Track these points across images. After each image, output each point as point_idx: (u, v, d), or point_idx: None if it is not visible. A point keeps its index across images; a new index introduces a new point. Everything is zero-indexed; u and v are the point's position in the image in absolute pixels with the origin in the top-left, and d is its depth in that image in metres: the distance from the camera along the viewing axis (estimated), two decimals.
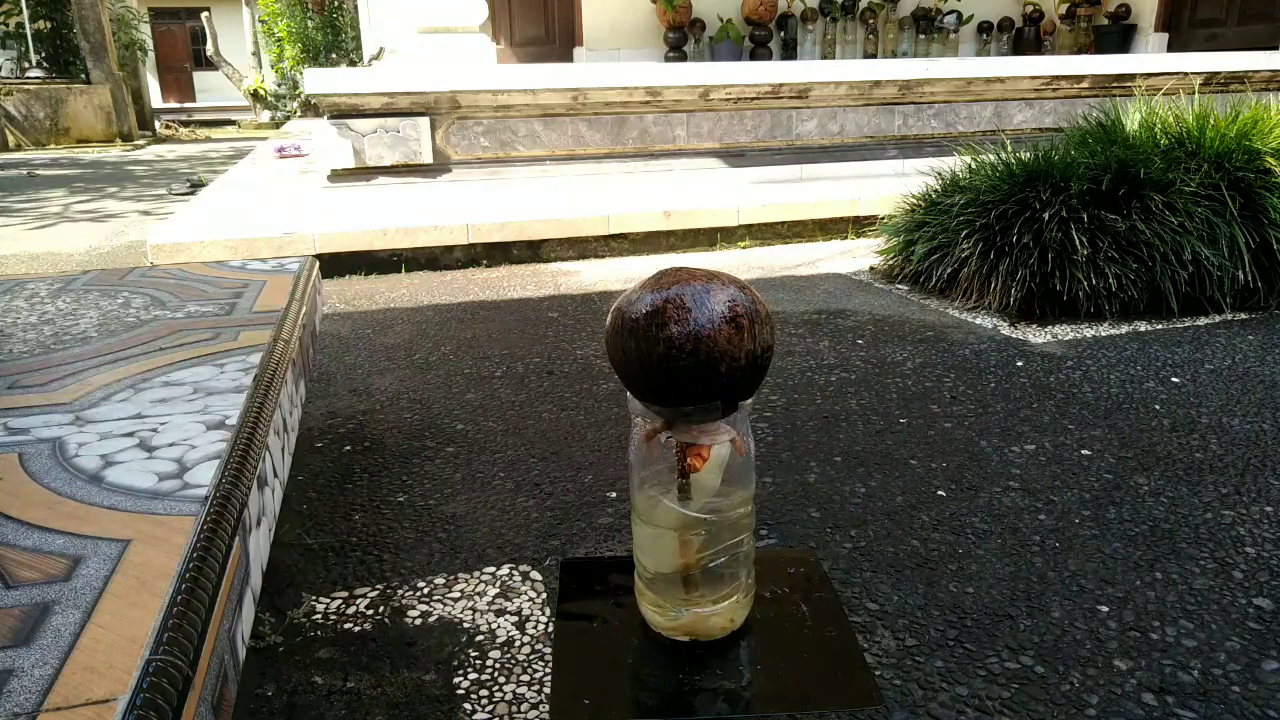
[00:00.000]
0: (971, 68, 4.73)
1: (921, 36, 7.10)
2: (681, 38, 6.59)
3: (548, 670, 1.03)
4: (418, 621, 1.13)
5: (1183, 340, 2.25)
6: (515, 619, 1.13)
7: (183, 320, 1.35)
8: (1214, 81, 5.01)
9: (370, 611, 1.15)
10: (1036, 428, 1.71)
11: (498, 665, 1.04)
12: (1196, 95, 2.94)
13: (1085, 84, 4.92)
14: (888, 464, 1.56)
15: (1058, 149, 2.76)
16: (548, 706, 0.97)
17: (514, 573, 1.24)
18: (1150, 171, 2.51)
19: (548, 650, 1.07)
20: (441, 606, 1.16)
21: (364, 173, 4.01)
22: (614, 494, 1.46)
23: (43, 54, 11.02)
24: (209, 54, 16.28)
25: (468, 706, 0.97)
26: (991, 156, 2.86)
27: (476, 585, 1.21)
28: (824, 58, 6.84)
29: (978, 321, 2.45)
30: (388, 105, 3.93)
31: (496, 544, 1.31)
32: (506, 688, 1.00)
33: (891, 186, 3.73)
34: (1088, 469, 1.53)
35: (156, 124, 13.15)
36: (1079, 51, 7.13)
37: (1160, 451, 1.60)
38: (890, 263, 3.00)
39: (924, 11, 7.09)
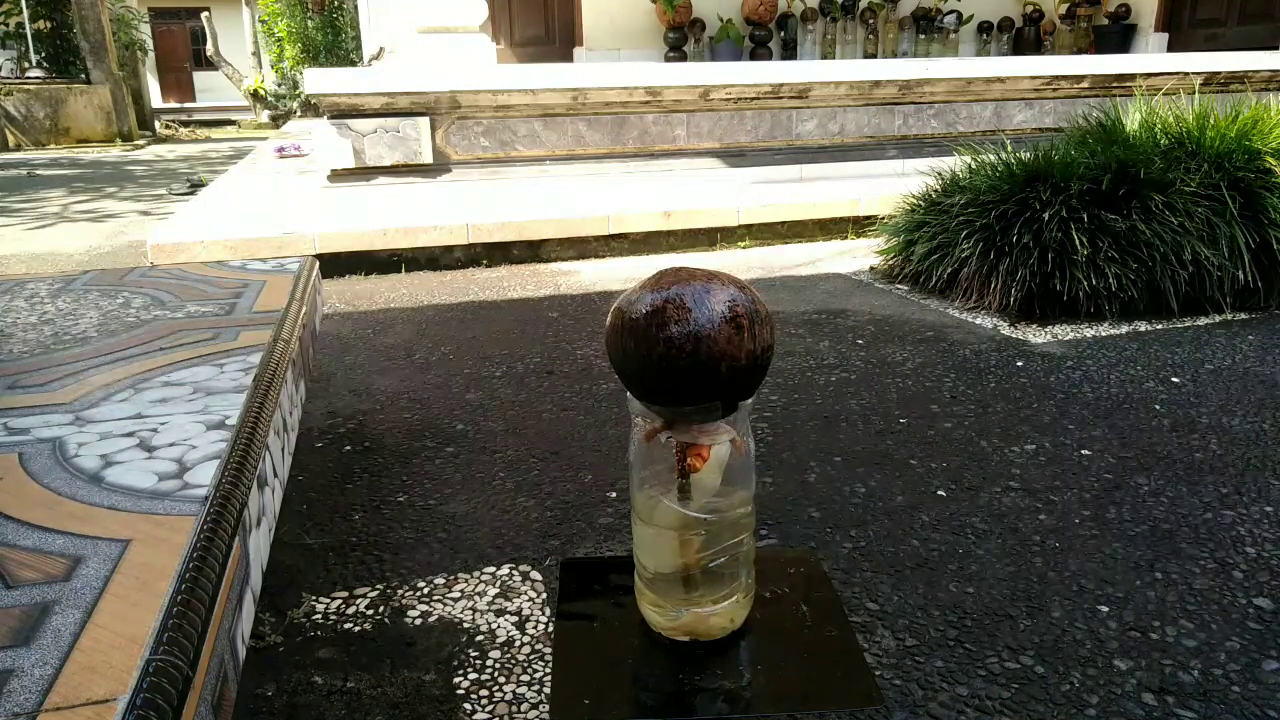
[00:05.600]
0: (971, 68, 4.73)
1: (921, 36, 7.10)
2: (681, 38, 6.59)
3: (548, 670, 1.03)
4: (418, 621, 1.13)
5: (1183, 340, 2.25)
6: (515, 619, 1.13)
7: (183, 320, 1.35)
8: (1214, 81, 5.01)
9: (370, 611, 1.15)
10: (1036, 428, 1.71)
11: (498, 665, 1.04)
12: (1196, 95, 2.94)
13: (1085, 84, 4.92)
14: (888, 464, 1.56)
15: (1058, 149, 2.76)
16: (548, 706, 0.97)
17: (514, 573, 1.24)
18: (1150, 171, 2.51)
19: (548, 650, 1.07)
20: (441, 606, 1.16)
21: (364, 173, 4.01)
22: (614, 494, 1.46)
23: (43, 54, 11.01)
24: (209, 54, 16.26)
25: (468, 706, 0.97)
26: (991, 156, 2.86)
27: (476, 585, 1.21)
28: (824, 58, 6.84)
29: (978, 321, 2.45)
30: (388, 105, 3.93)
31: (496, 544, 1.31)
32: (506, 688, 1.00)
33: (891, 186, 3.73)
34: (1088, 469, 1.53)
35: (156, 124, 13.15)
36: (1079, 51, 7.12)
37: (1160, 451, 1.60)
38: (890, 263, 3.00)
39: (924, 11, 7.09)
